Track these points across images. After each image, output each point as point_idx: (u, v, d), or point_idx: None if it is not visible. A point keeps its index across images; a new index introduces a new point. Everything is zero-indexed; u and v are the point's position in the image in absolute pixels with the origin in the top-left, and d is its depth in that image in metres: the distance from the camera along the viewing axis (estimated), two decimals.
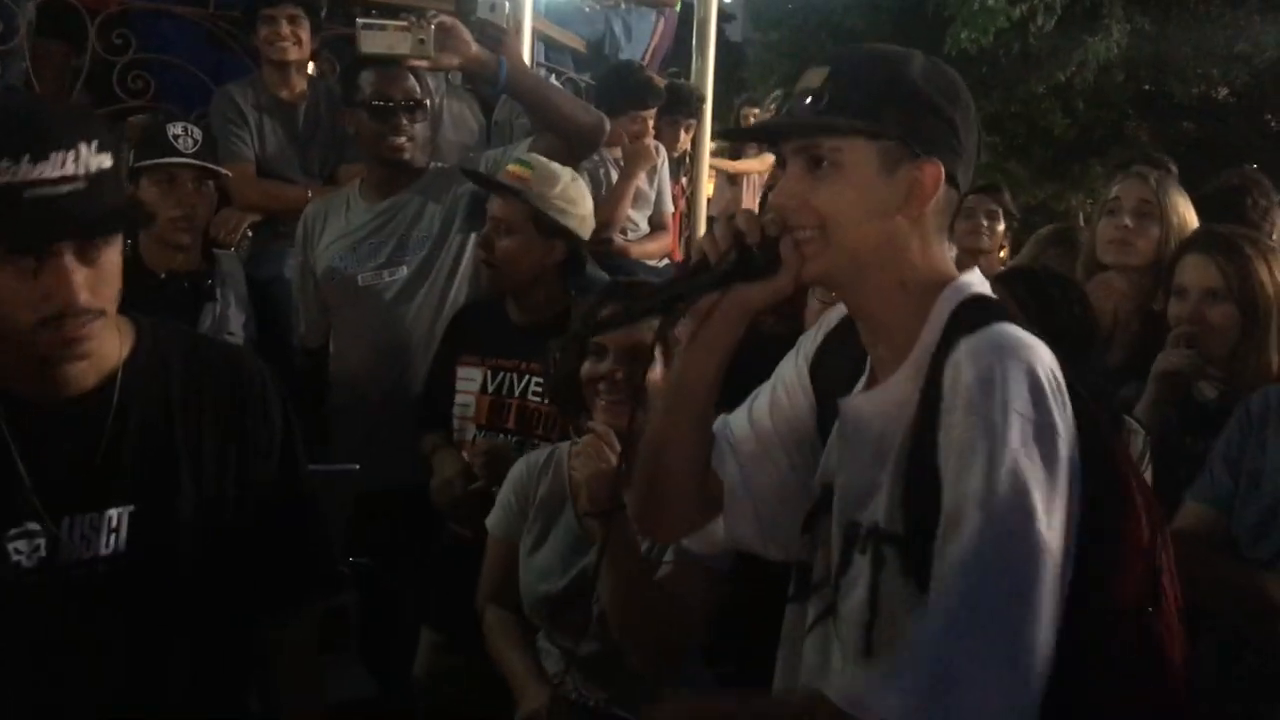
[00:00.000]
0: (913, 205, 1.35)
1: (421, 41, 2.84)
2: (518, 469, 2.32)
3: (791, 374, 1.55)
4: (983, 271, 1.46)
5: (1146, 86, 11.36)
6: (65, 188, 1.38)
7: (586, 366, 2.15)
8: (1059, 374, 1.28)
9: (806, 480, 1.50)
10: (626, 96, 4.18)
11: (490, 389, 2.73)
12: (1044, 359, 1.27)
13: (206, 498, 1.56)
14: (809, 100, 1.36)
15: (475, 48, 2.88)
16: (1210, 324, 2.41)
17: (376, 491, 2.85)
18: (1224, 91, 11.36)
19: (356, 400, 3.06)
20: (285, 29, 3.61)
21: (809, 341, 1.56)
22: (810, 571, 1.47)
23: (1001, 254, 4.06)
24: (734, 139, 2.78)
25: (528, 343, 2.62)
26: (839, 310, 1.52)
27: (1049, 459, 1.23)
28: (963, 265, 1.45)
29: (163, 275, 3.00)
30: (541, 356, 2.47)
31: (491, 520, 2.31)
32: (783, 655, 1.52)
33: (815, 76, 1.37)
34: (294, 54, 3.66)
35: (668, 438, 1.48)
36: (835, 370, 1.50)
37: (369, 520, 2.73)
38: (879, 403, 1.38)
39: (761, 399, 1.57)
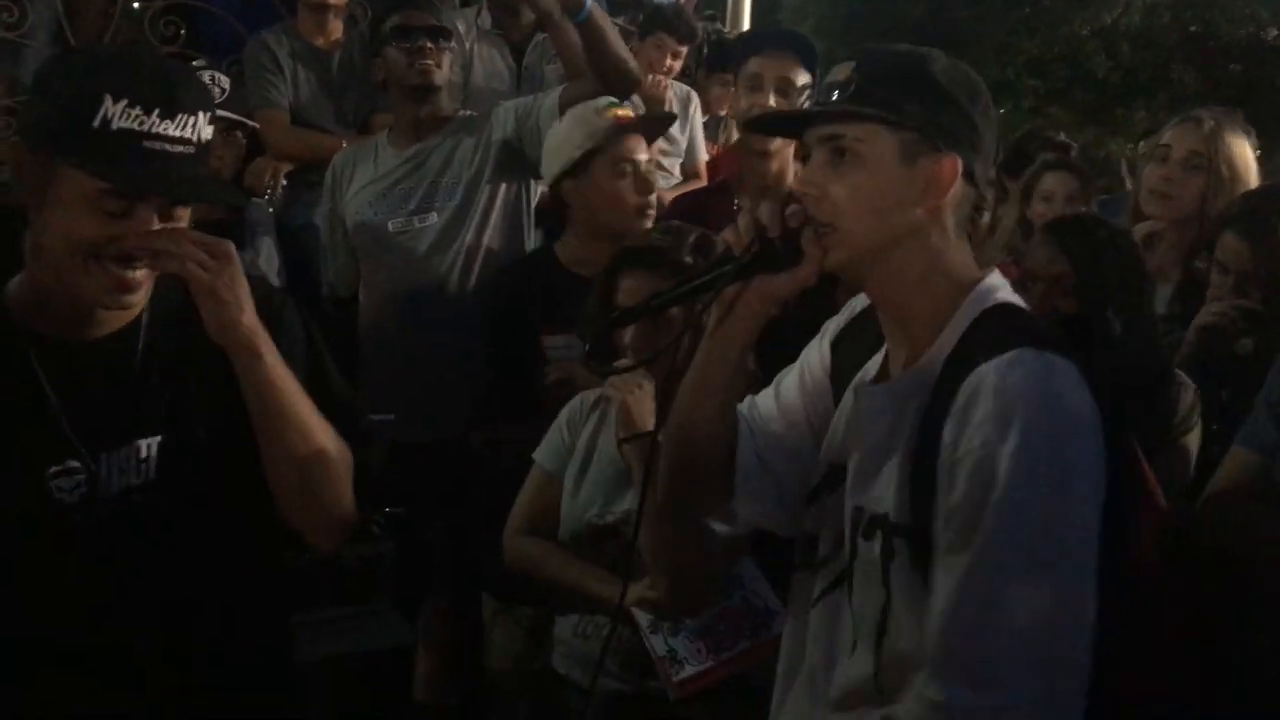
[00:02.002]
0: (930, 197, 1.39)
1: None
2: (572, 404, 2.31)
3: (815, 355, 1.61)
4: None
5: (1193, 28, 11.09)
6: (178, 149, 1.46)
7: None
8: (1084, 393, 1.29)
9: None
10: (656, 21, 4.10)
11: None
12: (1068, 388, 1.29)
13: (233, 426, 1.58)
14: (835, 92, 1.43)
15: None
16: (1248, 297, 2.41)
17: (409, 443, 2.87)
18: (1274, 32, 11.07)
19: (388, 350, 3.06)
20: None
21: (834, 324, 1.62)
22: (815, 543, 1.52)
23: None
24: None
25: None
26: (864, 298, 1.56)
27: (1061, 498, 1.26)
28: None
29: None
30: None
31: (540, 452, 2.31)
32: (790, 622, 1.59)
33: (843, 70, 1.46)
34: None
35: (693, 425, 1.52)
36: (853, 352, 1.55)
37: (402, 471, 2.75)
38: (891, 393, 1.41)
39: (790, 378, 1.62)
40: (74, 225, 1.45)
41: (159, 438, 1.59)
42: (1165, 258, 2.76)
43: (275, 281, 3.18)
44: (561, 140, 2.73)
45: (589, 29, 2.89)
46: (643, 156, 2.68)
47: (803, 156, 1.52)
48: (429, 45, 2.98)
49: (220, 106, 2.99)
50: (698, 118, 4.49)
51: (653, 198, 2.69)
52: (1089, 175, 3.75)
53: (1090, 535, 1.26)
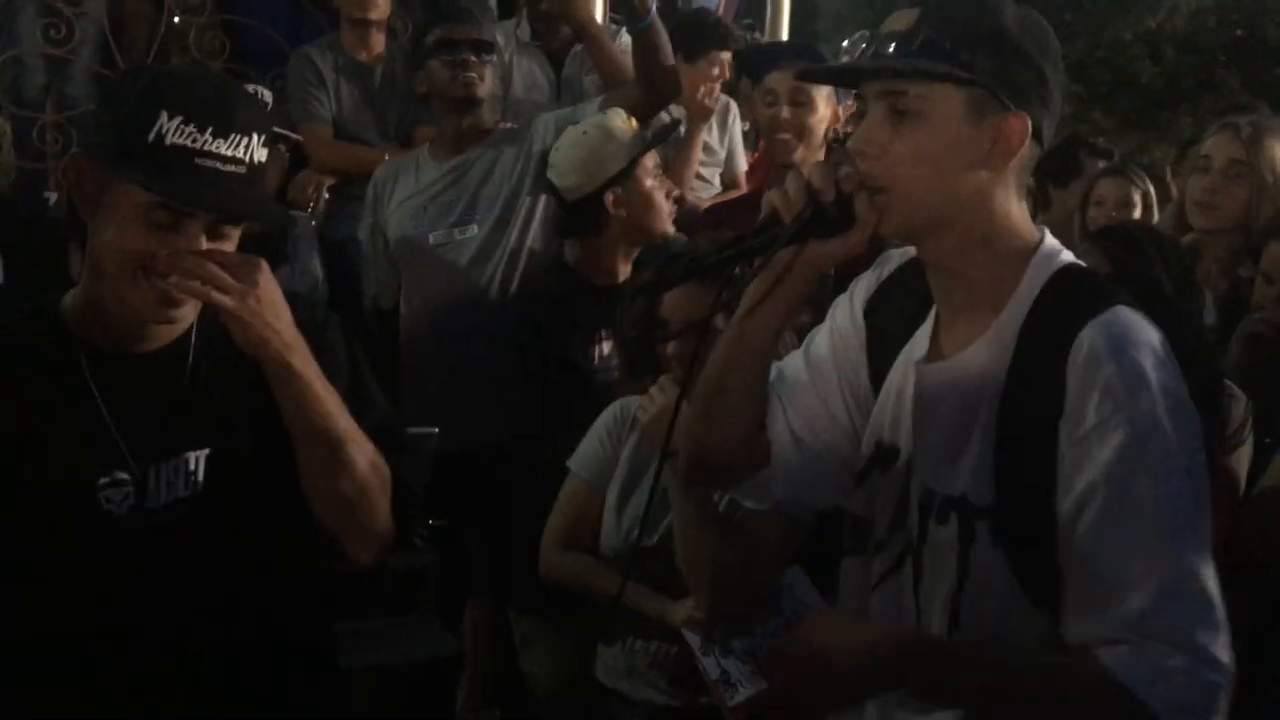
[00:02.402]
0: (998, 158, 1.31)
1: None
2: (611, 412, 2.29)
3: (846, 320, 1.51)
4: None
5: (1238, 32, 10.93)
6: (230, 168, 1.48)
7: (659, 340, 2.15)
8: (1172, 357, 1.28)
9: (861, 427, 1.48)
10: (704, 38, 4.09)
11: None
12: (1161, 343, 1.27)
13: (277, 432, 1.59)
14: (896, 43, 1.32)
15: None
16: None
17: (453, 453, 2.88)
18: None
19: (430, 361, 3.07)
20: None
21: (863, 286, 1.52)
22: (868, 526, 1.46)
23: None
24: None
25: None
26: (899, 254, 1.49)
27: (1193, 440, 1.25)
28: None
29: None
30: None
31: (577, 461, 2.29)
32: (841, 608, 1.52)
33: (904, 19, 1.36)
34: (375, 14, 3.66)
35: (721, 396, 1.44)
36: (892, 322, 1.46)
37: (444, 481, 2.75)
38: (959, 370, 1.34)
39: (819, 345, 1.53)
40: (124, 237, 1.48)
41: (207, 450, 1.60)
42: (1210, 267, 2.71)
43: (318, 295, 3.20)
44: (595, 150, 2.76)
45: (649, 36, 2.92)
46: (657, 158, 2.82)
47: (857, 114, 1.42)
48: (472, 58, 3.01)
49: None
50: (737, 127, 4.47)
51: (672, 194, 2.82)
52: (1141, 181, 3.71)
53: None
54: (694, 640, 2.01)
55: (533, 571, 2.63)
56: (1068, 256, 1.36)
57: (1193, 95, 10.96)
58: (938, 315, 1.41)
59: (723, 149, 4.39)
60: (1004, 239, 1.34)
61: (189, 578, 1.58)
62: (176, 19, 4.06)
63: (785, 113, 2.94)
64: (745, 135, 4.56)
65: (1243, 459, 2.29)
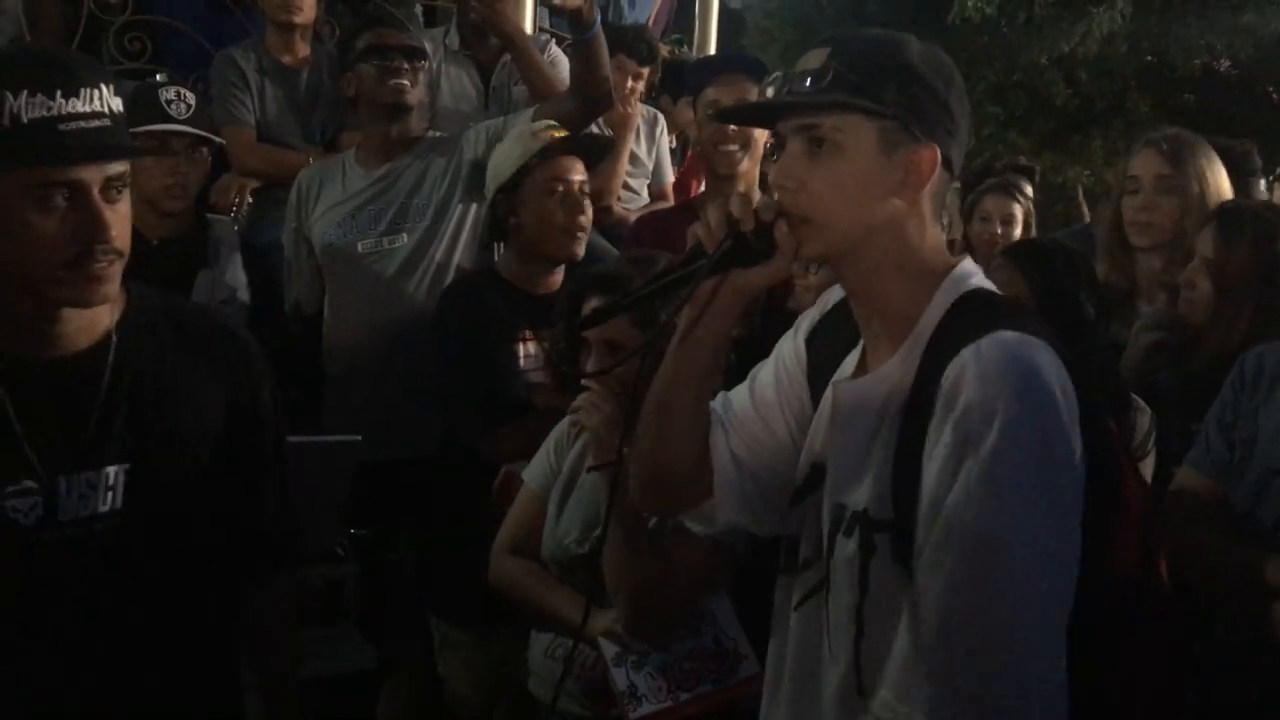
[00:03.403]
0: (910, 188, 1.37)
1: None
2: (560, 426, 2.31)
3: (790, 351, 1.57)
4: None
5: (1149, 58, 11.28)
6: (95, 123, 1.47)
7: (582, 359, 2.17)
8: (1063, 375, 1.29)
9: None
10: (616, 43, 4.11)
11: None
12: (1048, 367, 1.29)
13: (198, 460, 1.60)
14: (810, 80, 1.37)
15: None
16: (1197, 291, 2.42)
17: (375, 462, 2.85)
18: (1226, 63, 11.28)
19: (354, 370, 3.04)
20: None
21: (808, 319, 1.59)
22: (798, 547, 1.50)
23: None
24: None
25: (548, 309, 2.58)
26: (839, 291, 1.54)
27: (1047, 489, 1.25)
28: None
29: (155, 242, 2.97)
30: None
31: (529, 472, 2.31)
32: (775, 629, 1.55)
33: (816, 57, 1.39)
34: (300, 18, 3.62)
35: (665, 423, 1.49)
36: (829, 349, 1.52)
37: (367, 491, 2.72)
38: (870, 387, 1.39)
39: (765, 375, 1.58)
40: (31, 234, 1.44)
41: (127, 465, 1.57)
42: (1148, 277, 2.77)
43: (237, 300, 3.14)
44: (501, 157, 2.76)
45: (591, 46, 2.91)
46: (576, 178, 2.69)
47: (773, 149, 1.47)
48: (404, 65, 2.99)
49: (185, 123, 2.98)
50: (664, 139, 4.51)
51: (583, 219, 2.69)
52: (1024, 197, 3.83)
53: (1074, 526, 1.25)
54: (609, 650, 2.02)
55: (455, 580, 2.63)
56: (979, 280, 1.41)
57: (1105, 118, 11.30)
58: (863, 340, 1.46)
59: (650, 160, 4.42)
60: (917, 264, 1.39)
61: (102, 594, 1.55)
62: (97, 17, 3.96)
63: (731, 125, 2.96)
64: (671, 150, 4.61)
65: (1145, 471, 2.35)
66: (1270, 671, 1.93)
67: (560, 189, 2.67)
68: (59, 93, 1.43)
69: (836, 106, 1.35)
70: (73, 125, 1.44)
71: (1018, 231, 3.73)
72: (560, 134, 2.75)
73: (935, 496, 1.26)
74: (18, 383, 1.52)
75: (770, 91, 1.41)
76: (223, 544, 1.68)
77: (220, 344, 1.71)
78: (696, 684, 1.98)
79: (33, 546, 1.51)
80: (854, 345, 1.48)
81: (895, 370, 1.37)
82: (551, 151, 2.69)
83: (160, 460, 1.59)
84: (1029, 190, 3.94)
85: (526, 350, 2.68)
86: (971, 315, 1.34)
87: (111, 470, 1.55)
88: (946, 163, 1.39)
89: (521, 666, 2.28)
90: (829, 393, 1.46)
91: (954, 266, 1.41)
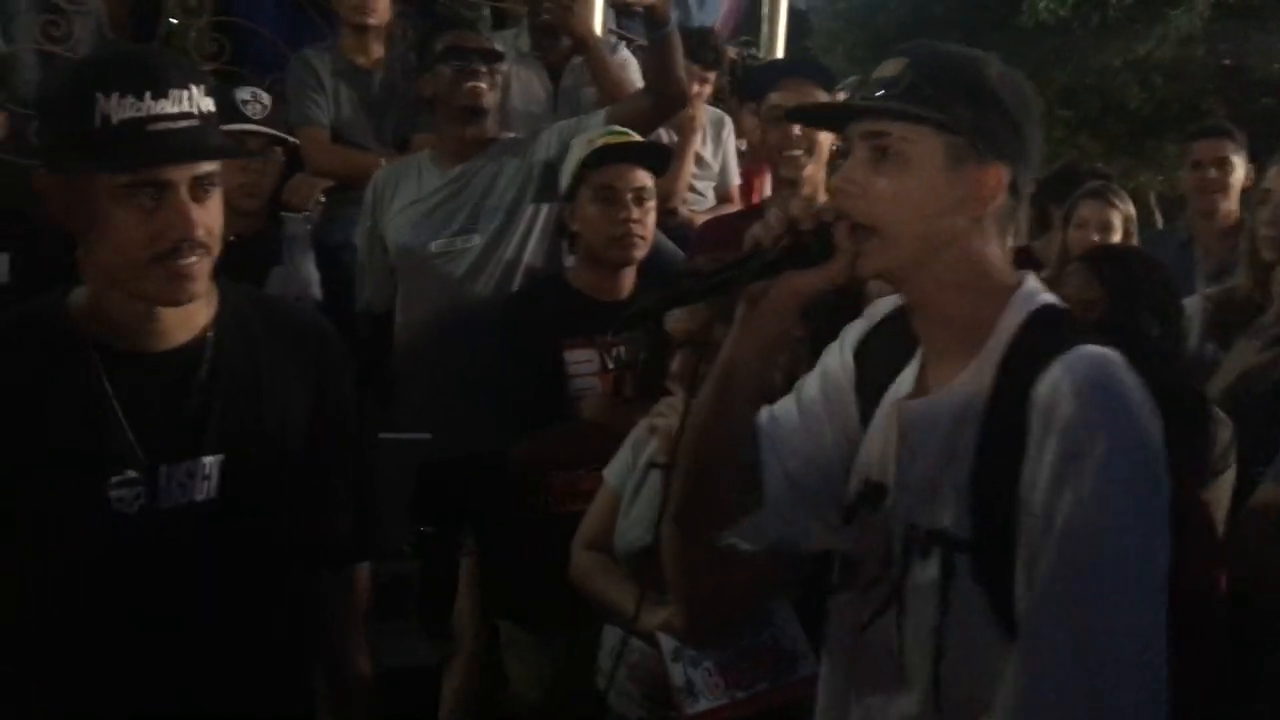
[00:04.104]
0: (973, 206, 1.36)
1: None
2: (641, 424, 2.31)
3: (836, 363, 1.55)
4: None
5: (1226, 61, 11.04)
6: (183, 123, 1.49)
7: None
8: (1144, 390, 1.28)
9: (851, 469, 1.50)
10: (684, 47, 4.11)
11: (610, 366, 2.68)
12: (1134, 381, 1.28)
13: (287, 451, 1.63)
14: (884, 87, 1.36)
15: None
16: None
17: (442, 460, 2.88)
18: None
19: (423, 368, 3.07)
20: None
21: (854, 331, 1.57)
22: (853, 565, 1.47)
23: None
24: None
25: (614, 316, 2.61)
26: (888, 301, 1.53)
27: (1149, 493, 1.25)
28: None
29: (231, 238, 3.02)
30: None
31: (609, 469, 2.33)
32: (832, 647, 1.52)
33: (893, 66, 1.38)
34: (375, 19, 3.66)
35: (711, 430, 1.45)
36: (880, 361, 1.50)
37: (434, 489, 2.75)
38: (941, 404, 1.37)
39: (810, 388, 1.56)
40: (119, 233, 1.48)
41: (222, 456, 1.60)
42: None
43: (311, 297, 3.19)
44: (568, 163, 2.77)
45: (665, 44, 2.92)
46: (630, 184, 2.68)
47: (839, 154, 1.44)
48: (481, 68, 3.02)
49: (260, 123, 3.04)
50: (730, 141, 4.50)
51: (637, 227, 2.68)
52: (1122, 203, 3.74)
53: (1168, 539, 1.25)
54: (667, 645, 2.01)
55: (514, 580, 2.64)
56: (1048, 297, 1.40)
57: (1180, 123, 11.07)
58: (923, 355, 1.44)
59: (716, 163, 4.42)
60: (982, 281, 1.38)
61: (200, 581, 1.59)
62: (174, 20, 4.05)
63: (795, 129, 2.96)
64: (740, 153, 4.60)
65: (1226, 484, 2.31)
66: None
67: (610, 196, 2.68)
68: (148, 94, 1.46)
69: (907, 116, 1.34)
70: (161, 126, 1.46)
71: (1116, 239, 3.63)
72: (615, 141, 2.75)
73: (1047, 511, 1.24)
74: (121, 376, 1.56)
75: (843, 95, 1.41)
76: (306, 535, 1.70)
77: (306, 337, 1.74)
78: (754, 682, 1.96)
79: (136, 535, 1.55)
80: (907, 360, 1.46)
81: (965, 389, 1.35)
82: (603, 158, 2.69)
83: (253, 450, 1.63)
84: (1126, 197, 3.85)
85: (580, 356, 2.68)
86: (1048, 330, 1.33)
87: (209, 460, 1.59)
88: (1013, 187, 1.38)
89: (583, 668, 2.29)
90: (888, 410, 1.45)
91: (1021, 283, 1.40)
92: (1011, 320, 1.36)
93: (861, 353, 1.53)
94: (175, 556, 1.57)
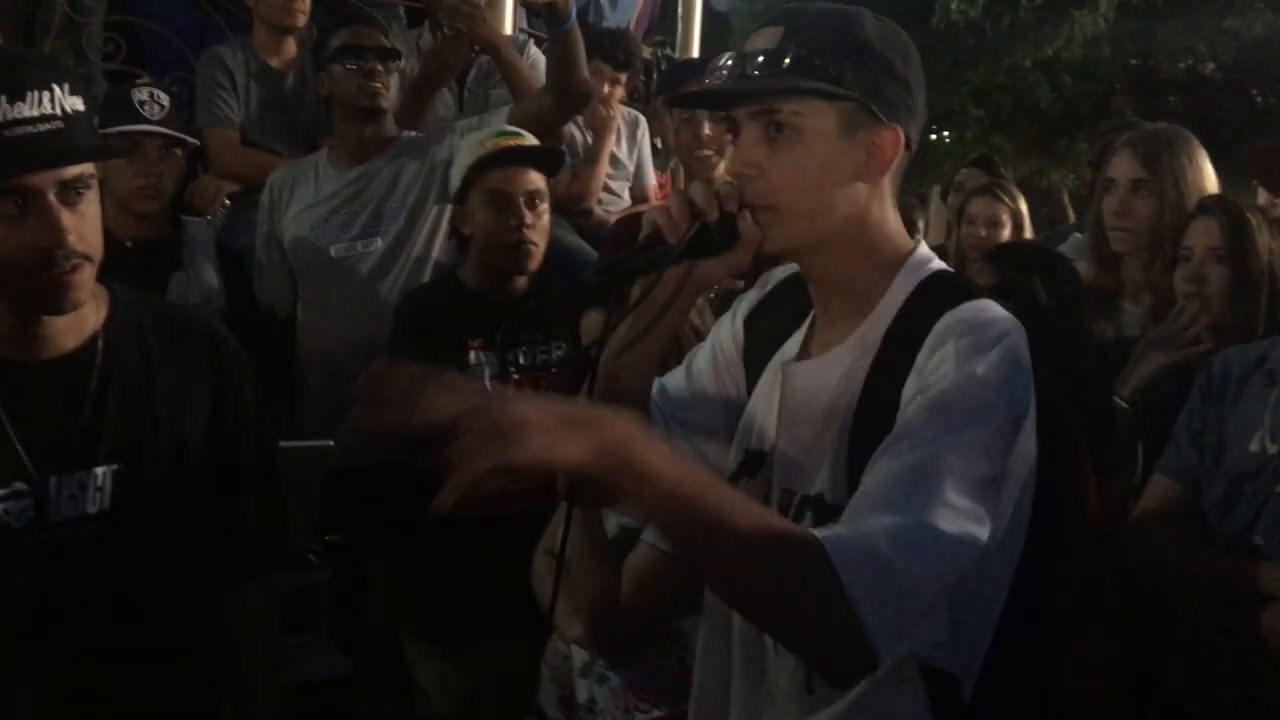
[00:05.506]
0: (873, 171, 1.32)
1: None
2: None
3: (727, 332, 1.52)
4: None
5: (1133, 61, 11.34)
6: (44, 126, 1.43)
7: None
8: (1027, 353, 1.27)
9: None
10: (594, 47, 4.09)
11: (506, 370, 2.61)
12: (1018, 338, 1.26)
13: (185, 461, 1.59)
14: (764, 61, 1.30)
15: None
16: (1210, 284, 2.40)
17: (349, 468, 2.82)
18: (1210, 67, 11.33)
19: (327, 374, 3.00)
20: None
21: (747, 300, 1.54)
22: None
23: None
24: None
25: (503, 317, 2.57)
26: (780, 271, 1.50)
27: (1006, 427, 1.22)
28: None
29: (128, 243, 2.93)
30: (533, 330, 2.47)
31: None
32: (709, 622, 1.48)
33: (769, 36, 1.31)
34: (301, 21, 3.56)
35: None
36: (768, 330, 1.47)
37: (341, 498, 2.70)
38: (825, 371, 1.35)
39: (701, 359, 1.53)
40: None
41: (115, 466, 1.56)
42: (1133, 278, 2.74)
43: (211, 302, 3.10)
44: (456, 166, 2.72)
45: (568, 40, 2.87)
46: (522, 188, 2.61)
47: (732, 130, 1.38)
48: (378, 66, 2.95)
49: (159, 124, 2.95)
50: (645, 142, 4.48)
51: (531, 233, 2.59)
52: (1010, 200, 3.79)
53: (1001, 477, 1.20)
54: (578, 659, 1.98)
55: (422, 594, 2.59)
56: (939, 264, 1.38)
57: (1090, 121, 11.34)
58: (813, 320, 1.42)
59: (631, 163, 4.40)
60: (880, 248, 1.36)
61: (94, 595, 1.54)
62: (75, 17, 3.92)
63: (706, 129, 2.93)
64: (654, 153, 4.58)
65: (1128, 480, 2.33)
66: (1252, 678, 1.91)
67: (502, 201, 2.60)
68: (3, 98, 1.40)
69: (797, 92, 1.29)
70: (20, 131, 1.40)
71: (1005, 234, 3.69)
72: (506, 143, 2.68)
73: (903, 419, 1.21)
74: (7, 385, 1.52)
75: (724, 74, 1.33)
76: (207, 544, 1.67)
77: (204, 343, 1.70)
78: (651, 707, 1.91)
79: (24, 548, 1.51)
80: (796, 326, 1.43)
81: (850, 353, 1.33)
82: (492, 162, 2.62)
83: (148, 460, 1.58)
84: (1017, 193, 3.90)
85: (476, 359, 2.61)
86: (937, 296, 1.31)
87: (101, 471, 1.55)
88: (907, 142, 1.34)
89: (497, 682, 2.25)
90: (771, 375, 1.42)
91: (913, 250, 1.37)
92: (902, 286, 1.34)
93: (750, 321, 1.50)
94: (67, 571, 1.53)
